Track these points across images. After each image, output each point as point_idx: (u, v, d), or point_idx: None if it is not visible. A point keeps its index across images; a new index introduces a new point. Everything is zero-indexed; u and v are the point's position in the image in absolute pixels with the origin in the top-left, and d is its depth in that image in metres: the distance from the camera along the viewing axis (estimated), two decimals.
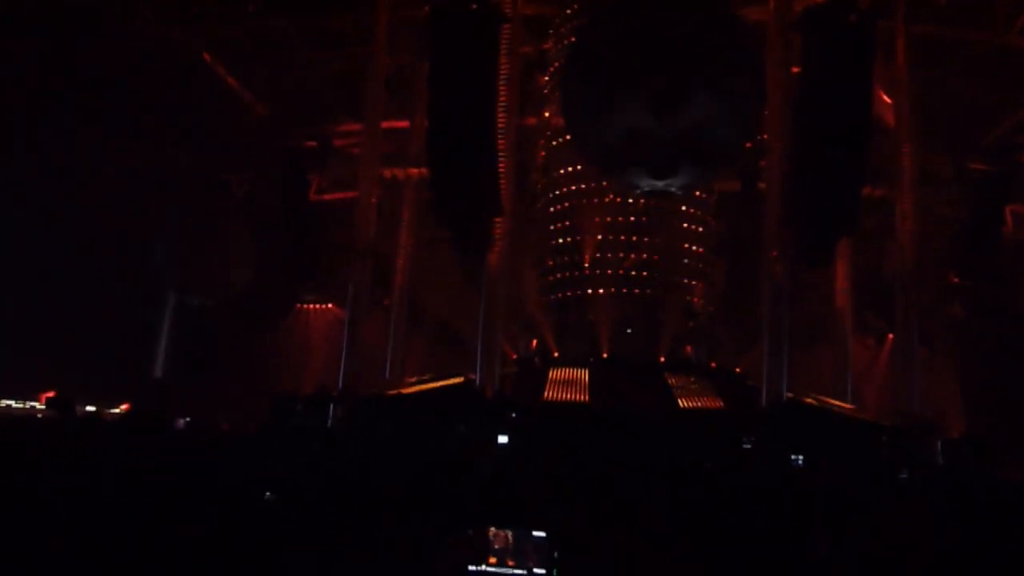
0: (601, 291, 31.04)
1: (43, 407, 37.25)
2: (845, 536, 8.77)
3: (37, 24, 28.07)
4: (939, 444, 25.77)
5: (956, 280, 32.98)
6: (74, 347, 35.73)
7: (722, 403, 27.07)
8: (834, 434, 24.22)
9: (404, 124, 32.49)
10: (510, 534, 6.59)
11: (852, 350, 31.04)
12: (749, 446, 20.69)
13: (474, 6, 26.37)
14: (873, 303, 32.24)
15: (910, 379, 28.09)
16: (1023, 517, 10.81)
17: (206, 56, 31.89)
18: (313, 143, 33.96)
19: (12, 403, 37.36)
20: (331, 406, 27.14)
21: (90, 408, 37.36)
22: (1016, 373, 29.91)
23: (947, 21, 30.30)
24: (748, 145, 25.95)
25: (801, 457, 12.33)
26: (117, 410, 38.39)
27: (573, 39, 30.36)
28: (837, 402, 28.53)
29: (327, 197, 35.82)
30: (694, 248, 32.53)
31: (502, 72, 27.30)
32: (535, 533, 6.62)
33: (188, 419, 14.63)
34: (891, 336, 31.44)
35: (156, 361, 36.17)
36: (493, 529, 6.61)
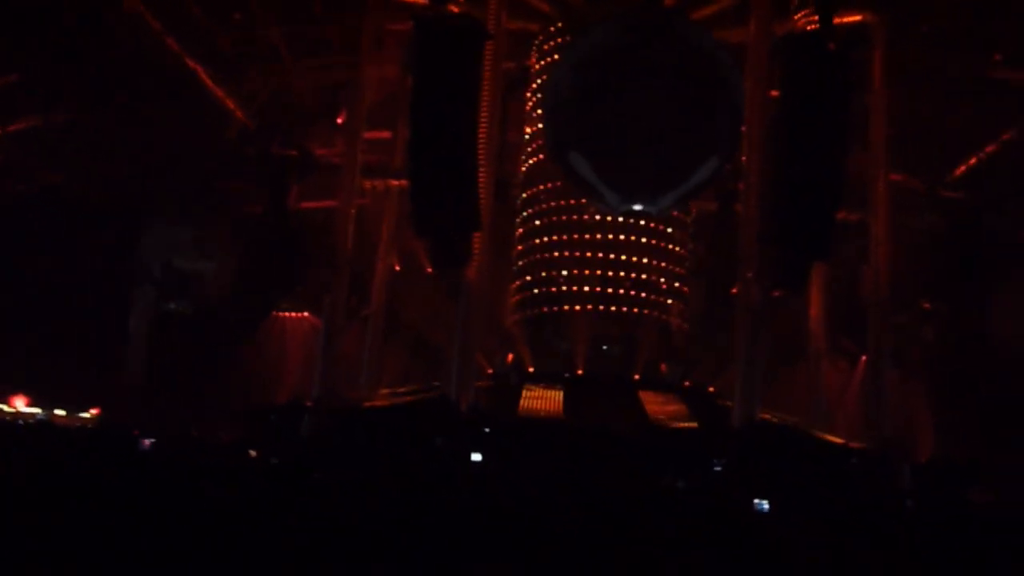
0: (578, 308, 31.09)
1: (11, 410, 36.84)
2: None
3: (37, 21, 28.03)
4: (909, 467, 26.05)
5: (928, 305, 33.42)
6: (46, 349, 35.41)
7: (695, 422, 27.16)
8: (804, 456, 24.40)
9: (386, 135, 32.51)
10: None
11: (825, 373, 31.30)
12: (719, 468, 20.81)
13: (458, 21, 26.61)
14: (847, 326, 32.48)
15: (881, 402, 28.33)
16: (992, 541, 10.93)
17: (190, 63, 31.68)
18: (294, 151, 33.97)
19: None
20: (305, 417, 27.08)
21: (59, 411, 36.99)
22: (987, 397, 30.24)
23: (927, 48, 30.76)
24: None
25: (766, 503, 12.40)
26: (87, 414, 38.05)
27: (556, 57, 30.60)
28: (808, 424, 28.75)
29: (307, 205, 35.72)
30: (671, 267, 32.60)
31: (484, 87, 27.44)
32: None
33: (154, 440, 14.47)
34: (864, 359, 31.69)
35: (129, 366, 35.93)
36: None
